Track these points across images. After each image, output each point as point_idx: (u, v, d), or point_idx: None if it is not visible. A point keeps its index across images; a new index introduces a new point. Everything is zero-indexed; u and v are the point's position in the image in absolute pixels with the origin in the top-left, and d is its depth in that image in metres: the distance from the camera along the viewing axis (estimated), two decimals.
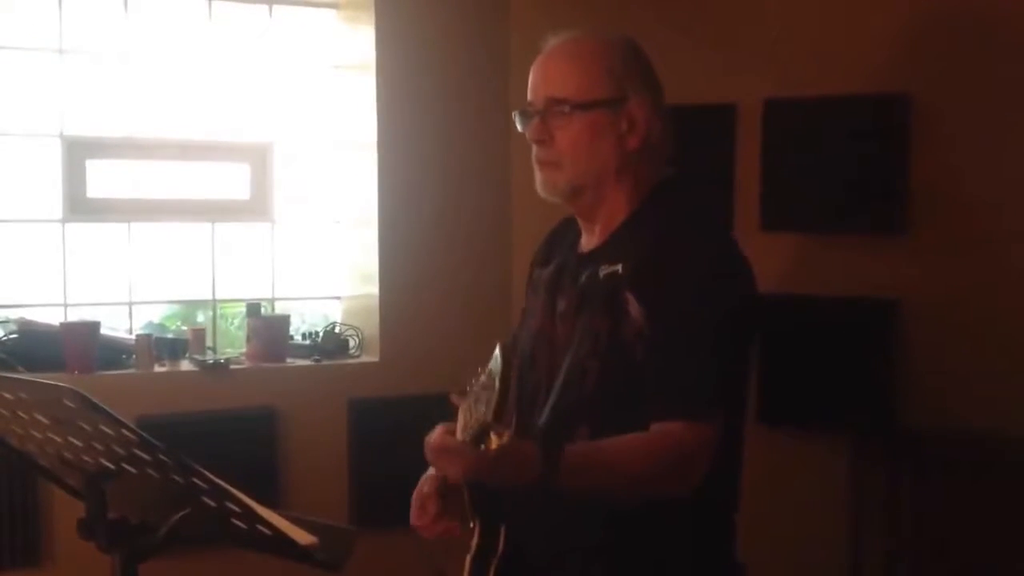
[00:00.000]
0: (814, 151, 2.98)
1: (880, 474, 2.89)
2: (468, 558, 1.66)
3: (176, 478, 1.31)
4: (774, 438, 3.01)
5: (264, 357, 3.28)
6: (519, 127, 1.73)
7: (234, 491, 1.31)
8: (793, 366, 3.02)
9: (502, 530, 1.64)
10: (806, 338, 3.00)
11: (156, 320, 3.56)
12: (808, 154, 2.98)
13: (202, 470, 1.29)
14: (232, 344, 3.53)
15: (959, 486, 2.78)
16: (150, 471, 1.33)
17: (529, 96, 1.71)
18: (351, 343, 3.44)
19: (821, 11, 3.02)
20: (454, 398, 1.50)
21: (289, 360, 3.33)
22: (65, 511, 2.58)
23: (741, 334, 1.64)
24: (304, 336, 3.44)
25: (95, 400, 1.23)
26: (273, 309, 3.52)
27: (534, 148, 1.71)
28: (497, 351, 1.33)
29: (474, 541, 1.65)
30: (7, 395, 1.39)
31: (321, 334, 3.42)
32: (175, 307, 3.67)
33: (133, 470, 1.35)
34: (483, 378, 1.36)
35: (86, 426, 1.31)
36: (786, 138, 3.02)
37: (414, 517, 1.68)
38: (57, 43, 3.25)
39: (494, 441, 1.30)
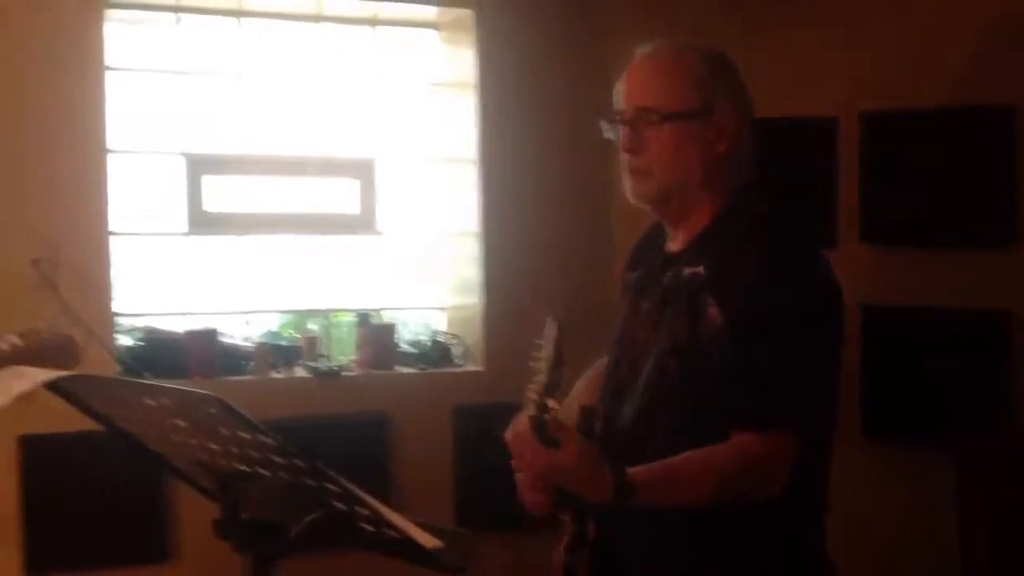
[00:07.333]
0: (916, 163, 2.95)
1: (988, 488, 2.85)
2: (562, 549, 1.69)
3: (309, 482, 1.37)
4: (880, 451, 2.99)
5: (373, 364, 3.38)
6: (605, 134, 1.78)
7: (363, 495, 1.35)
8: (900, 379, 2.99)
9: (589, 522, 1.66)
10: (912, 351, 2.97)
11: (273, 328, 3.69)
12: (910, 166, 2.96)
13: (335, 475, 1.34)
14: (343, 352, 3.64)
15: None
16: (282, 474, 1.39)
17: (619, 105, 1.75)
18: (455, 352, 3.53)
19: (921, 21, 2.99)
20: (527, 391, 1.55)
21: (396, 368, 3.43)
22: (192, 509, 2.70)
23: (820, 338, 1.63)
24: (411, 344, 3.53)
25: (238, 408, 1.30)
26: (380, 319, 3.63)
27: (625, 157, 1.74)
28: (546, 326, 1.49)
29: (567, 532, 1.68)
30: (150, 402, 1.46)
31: (429, 343, 3.51)
32: (288, 316, 3.80)
33: (266, 473, 1.42)
34: (537, 353, 1.52)
35: (225, 431, 1.38)
36: (889, 151, 3.00)
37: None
38: (175, 65, 3.39)
39: (553, 407, 1.48)
